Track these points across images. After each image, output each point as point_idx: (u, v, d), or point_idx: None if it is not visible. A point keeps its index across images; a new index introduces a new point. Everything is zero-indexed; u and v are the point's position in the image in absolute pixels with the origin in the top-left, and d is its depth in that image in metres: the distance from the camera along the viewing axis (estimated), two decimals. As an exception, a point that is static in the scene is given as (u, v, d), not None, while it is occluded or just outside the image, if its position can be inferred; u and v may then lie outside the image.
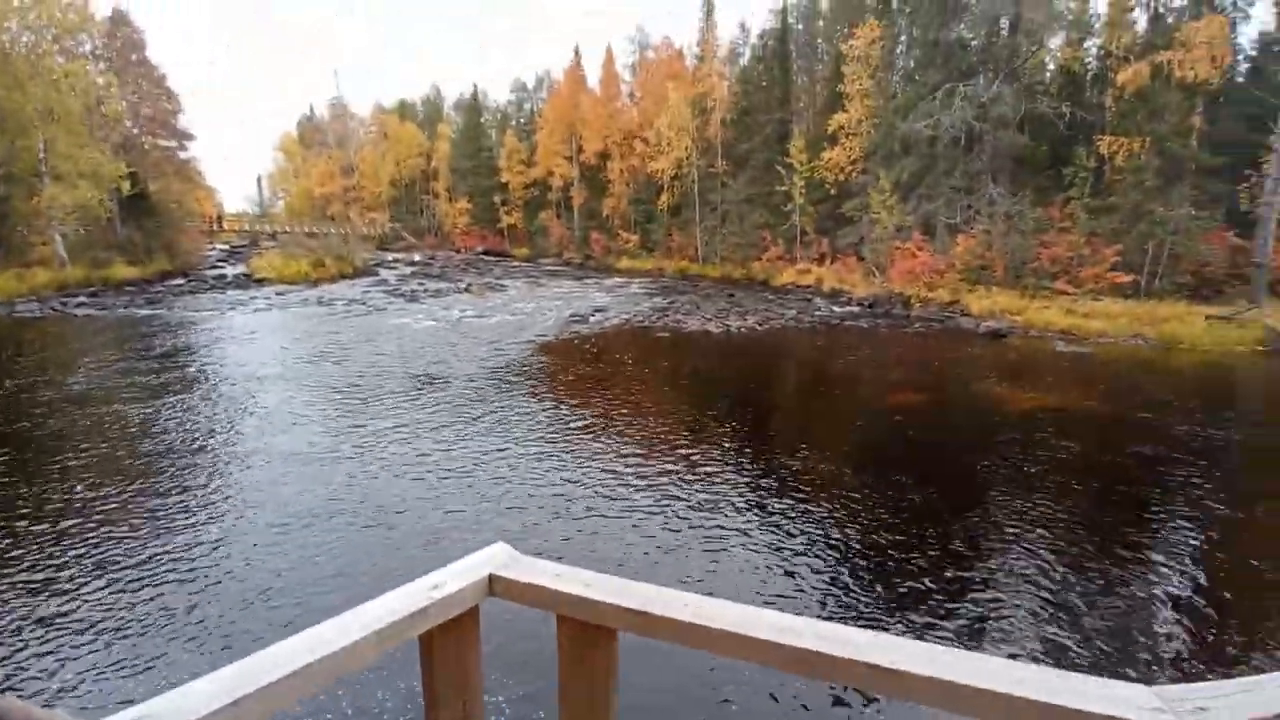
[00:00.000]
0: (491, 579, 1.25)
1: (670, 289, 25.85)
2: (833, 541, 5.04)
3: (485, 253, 44.53)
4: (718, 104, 32.29)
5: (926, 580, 4.47)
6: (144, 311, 17.96)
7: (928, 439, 7.84)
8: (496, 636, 3.48)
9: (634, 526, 5.22)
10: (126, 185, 24.78)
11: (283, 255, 29.13)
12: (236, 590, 4.27)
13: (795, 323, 17.38)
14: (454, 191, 49.79)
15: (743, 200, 30.10)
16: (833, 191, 26.10)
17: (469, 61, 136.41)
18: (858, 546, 4.97)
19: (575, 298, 22.55)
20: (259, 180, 69.51)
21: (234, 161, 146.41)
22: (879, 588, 4.40)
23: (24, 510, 5.42)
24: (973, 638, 3.86)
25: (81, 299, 19.90)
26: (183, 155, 32.43)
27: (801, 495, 5.91)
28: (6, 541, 4.88)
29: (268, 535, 5.03)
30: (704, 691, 3.30)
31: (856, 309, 20.18)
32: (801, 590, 4.34)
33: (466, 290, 24.32)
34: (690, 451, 7.05)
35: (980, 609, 4.15)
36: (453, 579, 1.21)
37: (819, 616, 4.02)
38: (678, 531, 5.14)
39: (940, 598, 4.26)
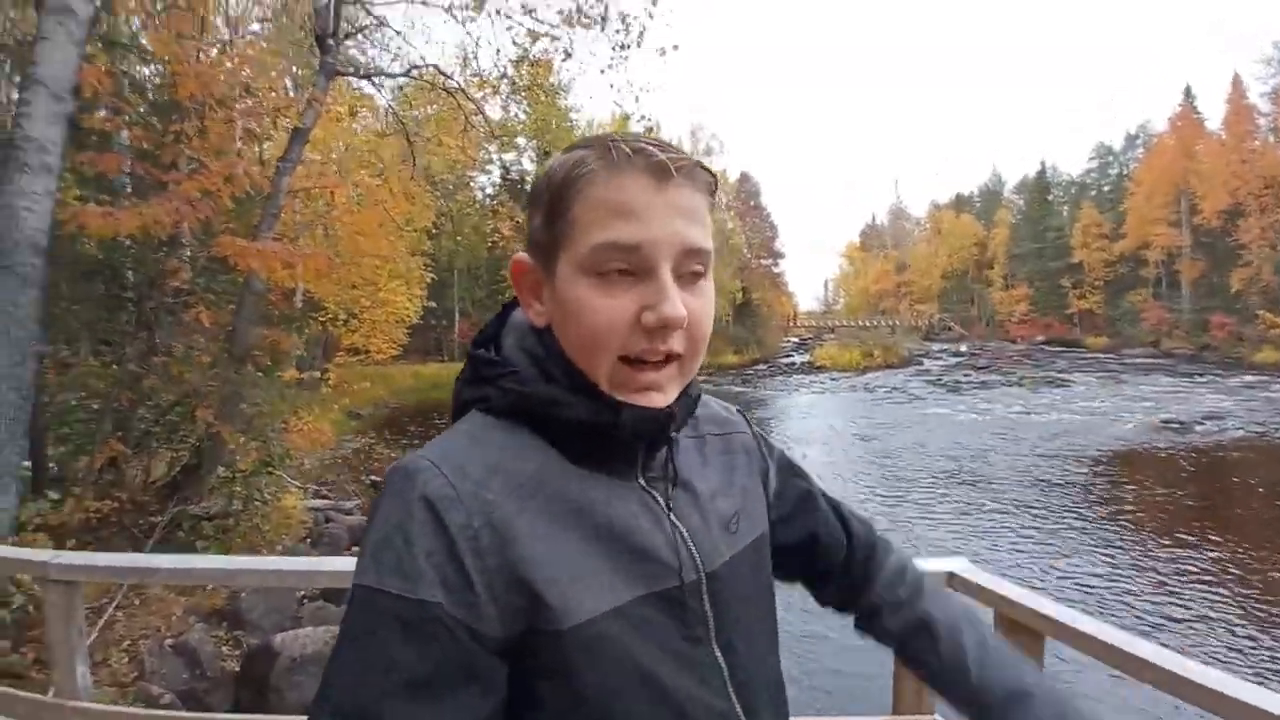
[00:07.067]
0: (950, 575, 1.81)
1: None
2: None
3: (1046, 342, 39.51)
4: None
5: None
6: (737, 389, 23.71)
7: None
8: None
9: None
10: (740, 296, 33.50)
11: (838, 346, 33.25)
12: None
13: None
14: (1011, 278, 46.48)
15: None
16: None
17: (1038, 141, 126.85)
18: None
19: (1174, 399, 17.75)
20: (825, 283, 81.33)
21: (810, 268, 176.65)
22: None
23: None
24: None
25: (702, 378, 27.76)
26: (775, 270, 41.42)
27: None
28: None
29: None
30: None
31: None
32: None
33: (1018, 383, 22.33)
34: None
35: None
36: (923, 564, 1.84)
37: None
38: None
39: None
